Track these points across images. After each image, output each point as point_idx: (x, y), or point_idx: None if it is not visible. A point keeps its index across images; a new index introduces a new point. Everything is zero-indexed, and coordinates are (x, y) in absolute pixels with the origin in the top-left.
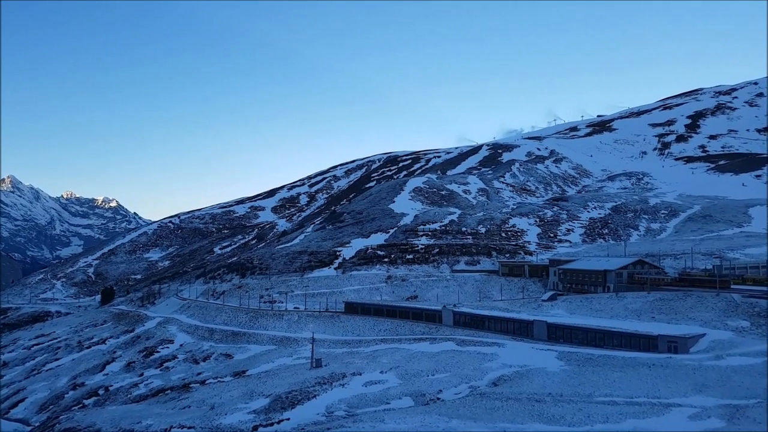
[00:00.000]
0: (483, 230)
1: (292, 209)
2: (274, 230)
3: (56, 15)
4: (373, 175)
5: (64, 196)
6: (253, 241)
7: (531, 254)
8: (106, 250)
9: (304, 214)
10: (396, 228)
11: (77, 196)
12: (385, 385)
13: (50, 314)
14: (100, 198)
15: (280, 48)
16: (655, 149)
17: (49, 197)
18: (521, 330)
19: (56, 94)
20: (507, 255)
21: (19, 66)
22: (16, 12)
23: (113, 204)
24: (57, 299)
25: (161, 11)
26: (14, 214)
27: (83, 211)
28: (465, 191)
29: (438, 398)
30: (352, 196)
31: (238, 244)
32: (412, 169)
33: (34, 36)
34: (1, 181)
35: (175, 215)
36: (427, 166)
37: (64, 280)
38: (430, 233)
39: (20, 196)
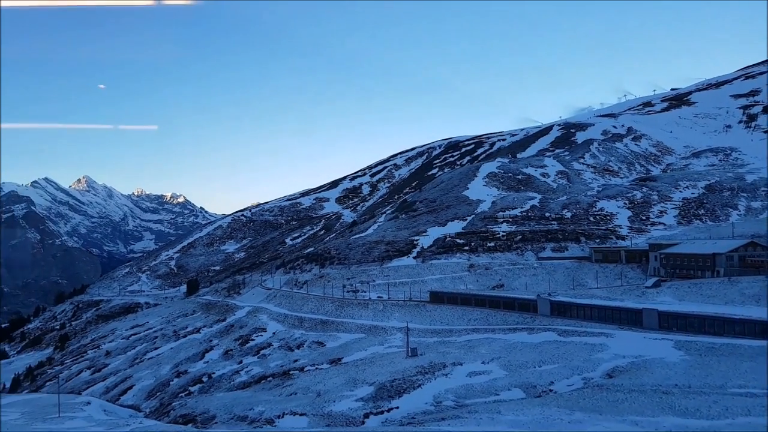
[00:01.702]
0: (568, 215)
1: (356, 199)
2: (341, 221)
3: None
4: (435, 162)
5: (135, 194)
6: (321, 232)
7: (623, 239)
8: (185, 243)
9: (367, 204)
10: (473, 215)
11: (147, 192)
12: (490, 376)
13: (140, 305)
14: (169, 194)
15: (331, 42)
16: (740, 122)
17: (122, 195)
18: (628, 319)
19: (127, 98)
20: (597, 240)
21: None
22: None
23: (181, 200)
24: (144, 291)
25: (242, 10)
26: (90, 212)
27: (153, 207)
28: (543, 174)
29: (550, 390)
30: (414, 184)
31: (307, 235)
32: (475, 154)
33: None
34: (78, 182)
35: (246, 208)
36: (491, 150)
37: (148, 272)
38: (510, 220)
39: (95, 195)
